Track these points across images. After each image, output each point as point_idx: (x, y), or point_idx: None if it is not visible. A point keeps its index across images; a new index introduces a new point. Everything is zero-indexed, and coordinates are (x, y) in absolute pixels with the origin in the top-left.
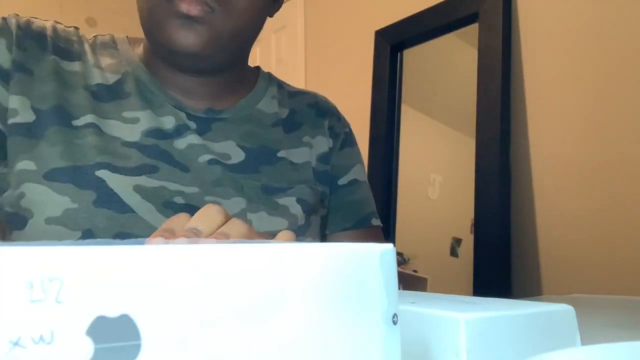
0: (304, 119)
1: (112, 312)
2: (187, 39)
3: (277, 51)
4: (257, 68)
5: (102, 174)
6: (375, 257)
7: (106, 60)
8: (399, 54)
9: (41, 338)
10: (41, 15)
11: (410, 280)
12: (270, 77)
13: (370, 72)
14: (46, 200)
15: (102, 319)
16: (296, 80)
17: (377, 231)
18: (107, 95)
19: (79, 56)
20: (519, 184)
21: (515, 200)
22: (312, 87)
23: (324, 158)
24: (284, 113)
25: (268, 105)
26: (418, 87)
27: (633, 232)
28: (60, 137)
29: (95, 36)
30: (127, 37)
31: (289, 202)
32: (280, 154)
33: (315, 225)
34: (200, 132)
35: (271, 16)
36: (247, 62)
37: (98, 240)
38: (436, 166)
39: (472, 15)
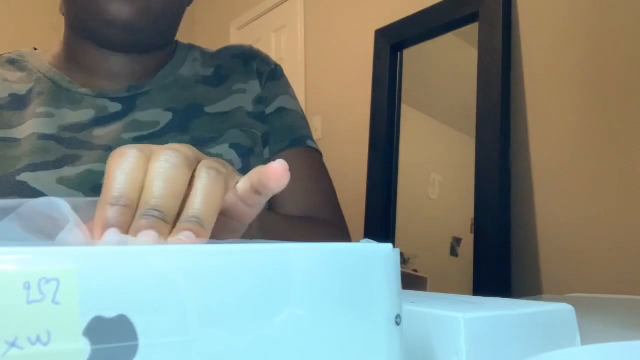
0: (232, 71)
1: (109, 313)
2: (121, 9)
3: (277, 51)
4: (176, 42)
5: (23, 177)
6: (380, 258)
7: (15, 75)
8: (399, 53)
9: (38, 339)
10: (42, 15)
11: (410, 280)
12: (191, 46)
13: (370, 72)
14: None
15: (99, 320)
16: (296, 80)
17: (315, 153)
18: (20, 105)
19: None
20: (519, 184)
21: (515, 200)
22: (312, 87)
23: (258, 99)
24: (209, 71)
25: (189, 68)
26: (418, 87)
27: (633, 232)
28: None
29: (0, 55)
30: (34, 48)
31: (222, 149)
32: (207, 109)
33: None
34: (125, 112)
35: (188, 5)
36: (172, 44)
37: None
38: (436, 166)
39: (472, 15)
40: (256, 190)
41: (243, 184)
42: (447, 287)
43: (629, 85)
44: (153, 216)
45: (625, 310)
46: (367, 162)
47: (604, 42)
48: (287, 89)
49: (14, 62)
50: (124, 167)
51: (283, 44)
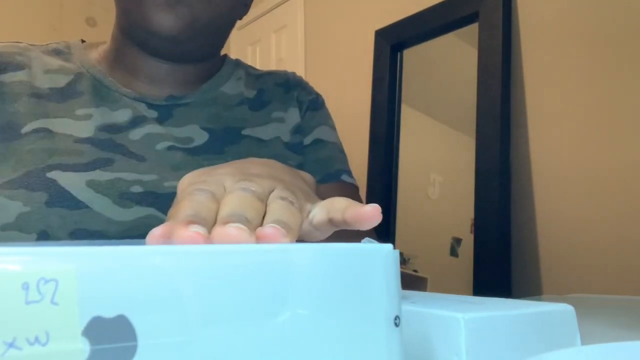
0: (273, 97)
1: (108, 313)
2: (166, 20)
3: (277, 51)
4: (225, 56)
5: (53, 174)
6: (380, 258)
7: (58, 63)
8: (399, 54)
9: (36, 339)
10: (42, 16)
11: (410, 280)
12: (237, 63)
13: (370, 72)
14: (1, 208)
15: (98, 320)
16: None
17: (350, 188)
18: (59, 97)
19: (23, 66)
20: (519, 184)
21: (515, 200)
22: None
23: (296, 129)
24: (251, 93)
25: (233, 87)
26: (418, 87)
27: (633, 232)
28: (10, 151)
29: (47, 44)
30: (82, 40)
31: None
32: (245, 132)
33: None
34: (161, 120)
35: (240, 18)
36: (218, 56)
37: (94, 241)
38: (436, 166)
39: (472, 15)
40: (334, 224)
41: (320, 216)
42: (447, 287)
43: (630, 85)
44: (239, 220)
45: (625, 311)
46: (367, 162)
47: (604, 42)
48: (326, 120)
49: (59, 53)
50: (196, 207)
51: (283, 44)
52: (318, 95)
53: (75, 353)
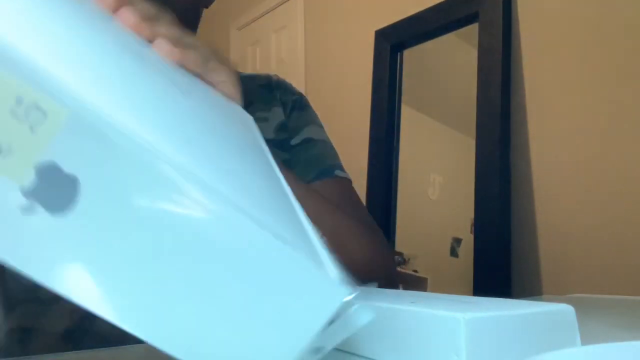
0: (255, 98)
1: (66, 168)
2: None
3: (277, 51)
4: None
5: None
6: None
7: None
8: (399, 54)
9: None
10: None
11: (410, 280)
12: None
13: (370, 72)
14: None
15: (54, 167)
16: (296, 80)
17: (345, 182)
18: None
19: None
20: (519, 184)
21: (515, 200)
22: (312, 87)
23: (281, 127)
24: None
25: None
26: (418, 87)
27: (633, 232)
28: None
29: None
30: None
31: None
32: None
33: None
34: None
35: (207, 7)
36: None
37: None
38: (436, 166)
39: (472, 15)
40: None
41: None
42: (447, 287)
43: (630, 86)
44: None
45: (625, 311)
46: (367, 162)
47: (604, 42)
48: (314, 119)
49: None
50: None
51: (283, 44)
52: (301, 95)
53: (24, 176)
